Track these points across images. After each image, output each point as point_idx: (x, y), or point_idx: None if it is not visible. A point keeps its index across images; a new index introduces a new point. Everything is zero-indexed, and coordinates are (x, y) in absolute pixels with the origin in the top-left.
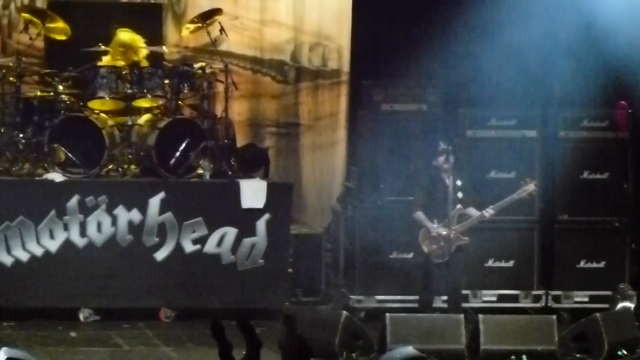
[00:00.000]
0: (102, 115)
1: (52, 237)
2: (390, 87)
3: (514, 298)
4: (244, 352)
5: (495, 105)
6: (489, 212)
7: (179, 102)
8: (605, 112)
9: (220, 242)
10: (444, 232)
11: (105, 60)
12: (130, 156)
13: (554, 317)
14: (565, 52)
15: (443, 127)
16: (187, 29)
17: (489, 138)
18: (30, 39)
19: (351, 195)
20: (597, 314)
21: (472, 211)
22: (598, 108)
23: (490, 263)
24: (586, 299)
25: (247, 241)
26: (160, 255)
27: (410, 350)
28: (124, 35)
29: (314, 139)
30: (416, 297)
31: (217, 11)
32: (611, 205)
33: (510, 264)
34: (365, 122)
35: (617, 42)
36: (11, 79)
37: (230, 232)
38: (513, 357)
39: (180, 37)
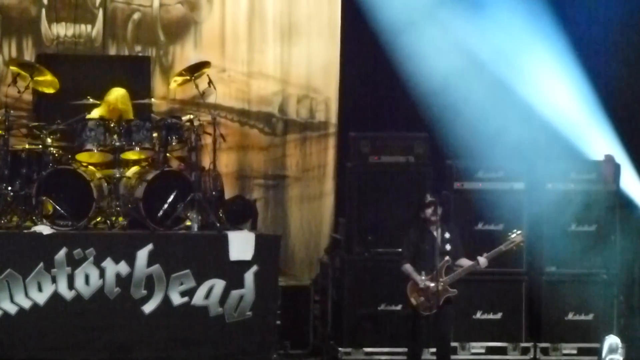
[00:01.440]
0: (90, 167)
1: (40, 289)
2: (378, 139)
3: (503, 350)
4: None
5: (483, 157)
6: (482, 260)
7: (167, 154)
8: (593, 164)
9: (208, 294)
10: (432, 285)
11: (95, 114)
12: (118, 208)
13: None
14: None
15: (431, 179)
16: (175, 81)
17: (477, 190)
18: (19, 92)
19: (339, 247)
20: None
21: (464, 261)
22: (585, 160)
23: (478, 315)
24: (574, 351)
25: (235, 293)
26: (148, 307)
27: None
28: (118, 92)
29: (302, 190)
30: (404, 350)
31: (205, 64)
32: (599, 257)
33: (499, 316)
34: (353, 174)
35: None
36: None
37: (219, 284)
38: None
39: (168, 89)
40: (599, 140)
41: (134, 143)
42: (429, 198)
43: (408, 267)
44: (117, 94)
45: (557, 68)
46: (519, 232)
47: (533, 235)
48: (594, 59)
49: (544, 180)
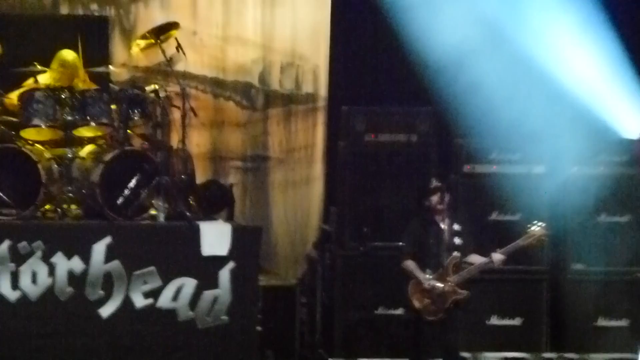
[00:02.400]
0: (38, 146)
1: None
2: (375, 114)
3: None
4: None
5: (498, 136)
6: (496, 257)
7: (128, 131)
8: (626, 144)
9: (176, 296)
10: (439, 285)
11: (42, 82)
12: (70, 195)
13: None
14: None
15: (437, 161)
16: (138, 45)
17: (490, 174)
18: None
19: (329, 240)
20: None
21: (475, 257)
22: (617, 139)
23: (493, 321)
24: None
25: (208, 294)
26: (106, 311)
27: None
28: (67, 55)
29: (286, 174)
30: None
31: (172, 25)
32: (632, 252)
33: (517, 321)
34: (346, 155)
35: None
36: None
37: (189, 284)
38: None
39: (129, 55)
40: (633, 118)
41: (89, 118)
42: (434, 183)
43: (410, 264)
44: (66, 58)
45: (586, 38)
46: (539, 223)
47: (556, 228)
48: (628, 27)
49: (568, 163)
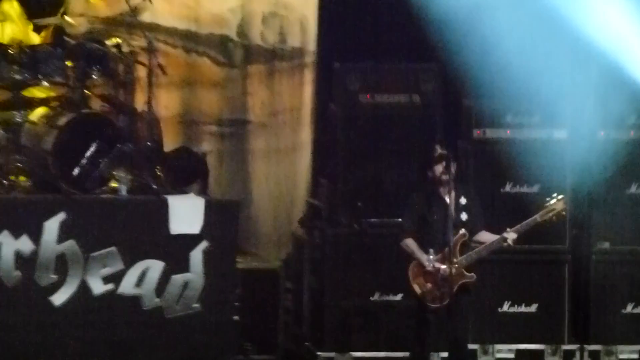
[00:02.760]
0: None
1: None
2: (371, 72)
3: (538, 355)
4: None
5: (513, 96)
6: (510, 235)
7: (86, 91)
8: None
9: (140, 281)
10: (443, 267)
11: None
12: (19, 164)
13: None
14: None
15: (442, 126)
16: None
17: (504, 140)
18: None
19: (319, 217)
20: None
21: (486, 235)
22: None
23: (505, 308)
24: (635, 356)
25: (178, 279)
26: (59, 298)
27: None
28: (9, 6)
29: (269, 141)
30: (406, 355)
31: None
32: None
33: (533, 308)
34: (338, 118)
35: None
36: None
37: (155, 267)
38: None
39: (88, 4)
40: None
41: (40, 76)
42: (439, 151)
43: (411, 244)
44: (8, 10)
45: None
46: (560, 196)
47: (579, 201)
48: None
49: (594, 127)
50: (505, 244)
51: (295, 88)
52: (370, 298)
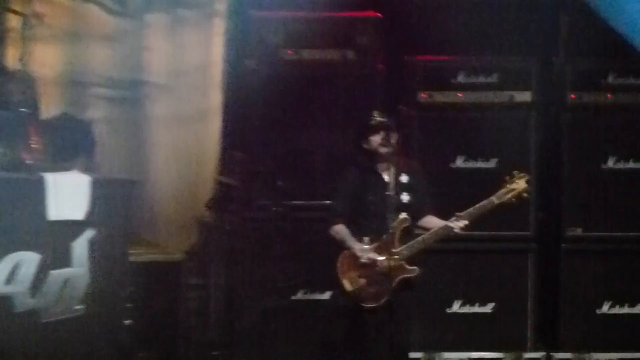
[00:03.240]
0: None
1: None
2: (296, 22)
3: None
4: None
5: (466, 50)
6: (458, 223)
7: None
8: None
9: (11, 278)
10: (381, 258)
11: None
12: None
13: None
14: None
15: (381, 88)
16: None
17: (455, 104)
18: None
19: (231, 198)
20: None
21: (433, 221)
22: (631, 56)
23: (456, 308)
24: None
25: (57, 275)
26: None
27: None
28: None
29: (171, 106)
30: None
31: None
32: None
33: (489, 308)
34: (255, 79)
35: None
36: None
37: (29, 261)
38: None
39: None
40: None
41: None
42: (377, 118)
43: (341, 230)
44: None
45: None
46: (522, 174)
47: (546, 179)
48: None
49: (563, 89)
50: (452, 232)
51: (203, 42)
52: (292, 297)
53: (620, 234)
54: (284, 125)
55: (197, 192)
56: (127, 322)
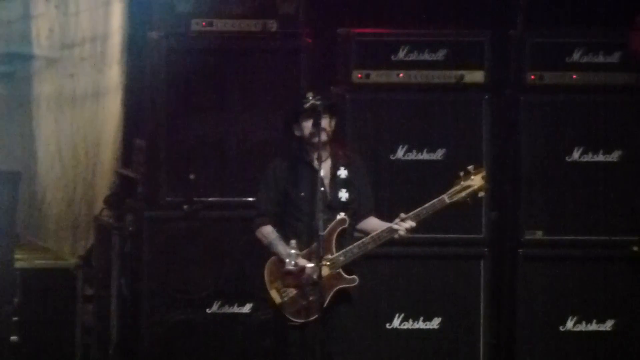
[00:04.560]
0: None
1: None
2: None
3: None
4: None
5: (407, 24)
6: (405, 224)
7: None
8: (615, 37)
9: None
10: (310, 265)
11: None
12: None
13: None
14: None
15: (308, 64)
16: None
17: (395, 85)
18: None
19: (133, 194)
20: None
21: (375, 223)
22: (599, 30)
23: (397, 323)
24: None
25: None
26: None
27: None
28: None
29: (62, 85)
30: None
31: None
32: (624, 212)
33: (435, 324)
34: (161, 53)
35: None
36: None
37: None
38: None
39: None
40: None
41: None
42: (310, 100)
43: (269, 233)
44: None
45: None
46: (478, 169)
47: (501, 173)
48: None
49: (522, 68)
50: (397, 235)
51: (99, 9)
52: (208, 310)
53: (586, 237)
54: (196, 108)
55: (93, 186)
56: (12, 338)
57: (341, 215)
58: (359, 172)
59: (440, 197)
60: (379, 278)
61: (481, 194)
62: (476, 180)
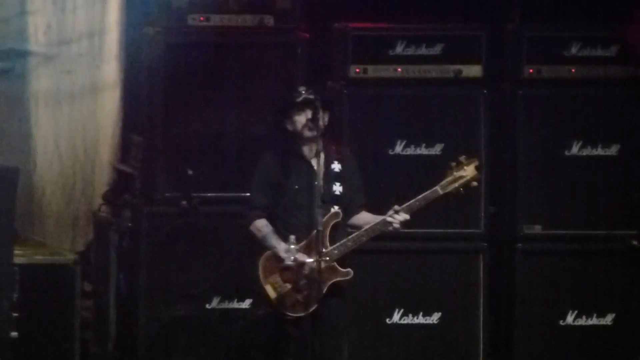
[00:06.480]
0: None
1: None
2: None
3: None
4: None
5: (405, 18)
6: (398, 217)
7: None
8: (612, 30)
9: None
10: (308, 260)
11: None
12: None
13: None
14: None
15: (304, 59)
16: None
17: (393, 80)
18: None
19: (131, 190)
20: None
21: (366, 218)
22: (597, 24)
23: (396, 318)
24: None
25: None
26: None
27: None
28: None
29: (59, 81)
30: None
31: None
32: (623, 207)
33: (434, 319)
34: (158, 49)
35: None
36: None
37: None
38: None
39: None
40: None
41: None
42: (302, 94)
43: (264, 227)
44: None
45: None
46: (471, 159)
47: (499, 167)
48: None
49: (519, 61)
50: (391, 228)
51: (95, 4)
52: (207, 305)
53: (585, 232)
54: (193, 103)
55: (92, 182)
56: (12, 334)
57: (335, 208)
58: (351, 166)
59: (433, 189)
60: (379, 273)
61: (474, 184)
62: (469, 171)
